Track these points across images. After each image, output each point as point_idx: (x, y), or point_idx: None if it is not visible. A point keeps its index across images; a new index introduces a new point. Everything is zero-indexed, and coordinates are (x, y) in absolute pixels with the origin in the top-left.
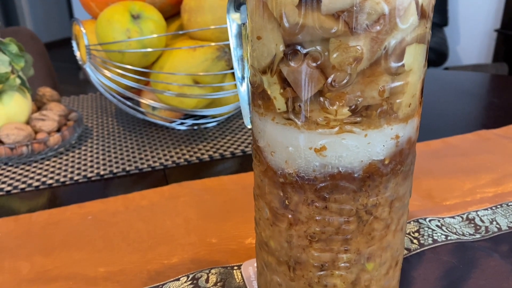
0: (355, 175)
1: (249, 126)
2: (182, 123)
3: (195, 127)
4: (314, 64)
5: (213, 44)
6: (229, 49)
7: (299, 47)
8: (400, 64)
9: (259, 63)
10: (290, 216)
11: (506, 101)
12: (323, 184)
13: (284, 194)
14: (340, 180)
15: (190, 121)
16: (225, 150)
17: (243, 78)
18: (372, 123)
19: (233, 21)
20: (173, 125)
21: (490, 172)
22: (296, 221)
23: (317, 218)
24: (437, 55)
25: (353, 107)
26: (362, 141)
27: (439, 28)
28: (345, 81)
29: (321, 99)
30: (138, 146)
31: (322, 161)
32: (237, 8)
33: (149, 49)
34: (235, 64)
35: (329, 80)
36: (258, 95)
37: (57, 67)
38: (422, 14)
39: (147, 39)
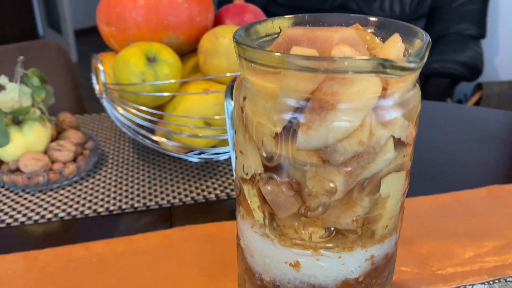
0: None
1: None
2: (195, 155)
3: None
4: (290, 192)
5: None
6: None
7: (276, 176)
8: (375, 195)
9: (241, 173)
10: None
11: None
12: None
13: None
14: None
15: (203, 156)
16: (232, 190)
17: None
18: (346, 247)
19: (229, 105)
20: (185, 156)
21: (494, 237)
22: None
23: None
24: (470, 71)
25: (326, 233)
26: (336, 262)
27: (476, 40)
28: (319, 210)
29: (296, 223)
30: (149, 179)
31: (297, 276)
32: (233, 97)
33: (163, 94)
34: (229, 141)
35: (303, 207)
36: (240, 199)
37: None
38: (400, 146)
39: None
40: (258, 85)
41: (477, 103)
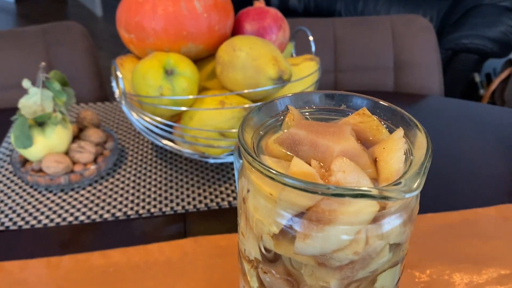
0: None
1: None
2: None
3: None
4: (287, 285)
5: (246, 105)
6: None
7: (274, 271)
8: None
9: (243, 253)
10: None
11: None
12: None
13: None
14: None
15: (218, 161)
16: None
17: None
18: None
19: (238, 161)
20: (201, 158)
21: (498, 265)
22: None
23: None
24: (500, 47)
25: None
26: None
27: (510, 12)
28: None
29: None
30: (166, 180)
31: None
32: (241, 157)
33: (180, 108)
34: (236, 188)
35: None
36: (242, 270)
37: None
38: (396, 248)
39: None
40: (258, 185)
41: (506, 80)
